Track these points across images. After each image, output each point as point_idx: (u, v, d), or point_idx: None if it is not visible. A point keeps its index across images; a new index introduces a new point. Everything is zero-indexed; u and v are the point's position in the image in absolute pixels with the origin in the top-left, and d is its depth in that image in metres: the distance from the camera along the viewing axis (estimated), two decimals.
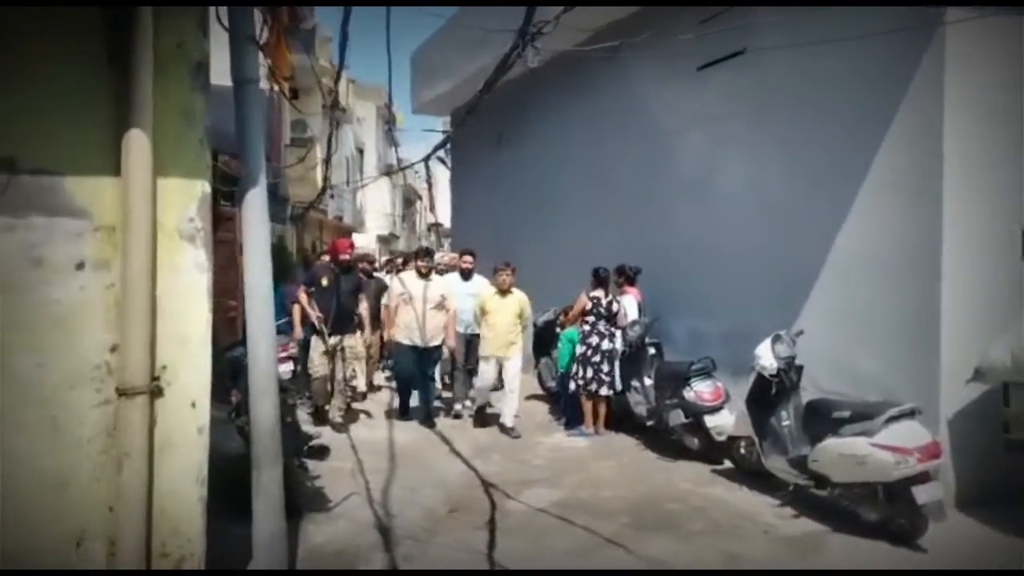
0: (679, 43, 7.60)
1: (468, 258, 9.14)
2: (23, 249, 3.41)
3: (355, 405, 8.77)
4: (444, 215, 21.84)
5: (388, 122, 19.86)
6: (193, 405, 3.68)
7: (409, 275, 8.77)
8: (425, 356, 8.40)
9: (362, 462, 6.74)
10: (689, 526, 5.44)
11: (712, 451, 6.93)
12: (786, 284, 7.17)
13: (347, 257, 8.29)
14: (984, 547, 5.15)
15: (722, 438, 6.76)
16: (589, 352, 8.00)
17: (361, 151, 30.22)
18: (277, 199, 16.56)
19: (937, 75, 5.82)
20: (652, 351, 8.04)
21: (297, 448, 5.77)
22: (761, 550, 5.03)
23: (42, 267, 3.46)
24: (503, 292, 8.25)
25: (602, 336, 8.02)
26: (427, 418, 8.41)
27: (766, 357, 6.07)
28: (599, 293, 8.14)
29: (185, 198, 3.68)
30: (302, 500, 5.41)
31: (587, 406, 8.04)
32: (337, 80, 8.47)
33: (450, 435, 7.90)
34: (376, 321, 9.17)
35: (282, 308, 8.43)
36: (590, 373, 7.96)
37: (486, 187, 14.34)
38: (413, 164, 13.14)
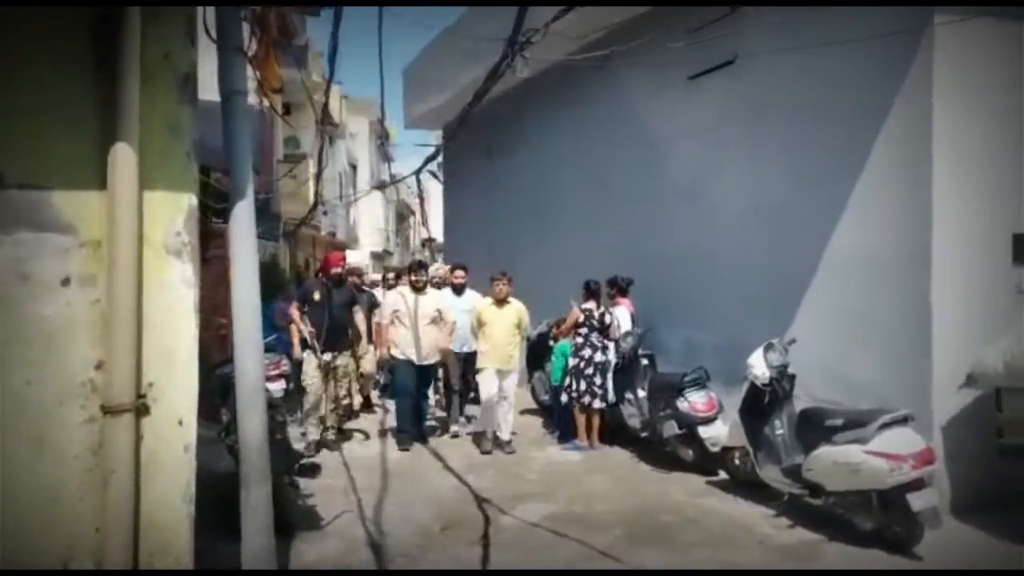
0: (670, 52, 7.64)
1: (460, 273, 8.98)
2: (10, 265, 3.38)
3: (347, 424, 8.69)
4: (437, 230, 21.88)
5: (381, 137, 19.86)
6: (180, 423, 3.64)
7: (402, 290, 8.54)
8: (422, 373, 8.22)
9: (354, 479, 6.69)
10: (683, 537, 5.41)
11: (706, 462, 6.90)
12: (778, 294, 7.18)
13: (339, 271, 8.15)
14: (980, 553, 5.14)
15: (716, 449, 6.74)
16: (582, 364, 7.98)
17: (354, 167, 30.24)
18: (270, 216, 16.52)
19: (926, 83, 5.86)
20: (645, 362, 8.01)
21: (288, 466, 5.71)
22: (756, 561, 5.01)
23: (28, 283, 3.43)
24: (500, 302, 8.07)
25: (595, 348, 8.00)
26: (420, 435, 8.27)
27: (759, 366, 6.07)
28: (591, 305, 8.14)
29: (172, 212, 3.66)
30: (293, 518, 5.37)
31: (580, 419, 8.01)
32: (328, 88, 8.41)
33: (443, 451, 7.86)
34: (369, 335, 9.09)
35: (271, 325, 8.38)
36: (583, 386, 7.94)
37: (479, 200, 14.36)
38: (405, 178, 13.13)
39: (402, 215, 43.55)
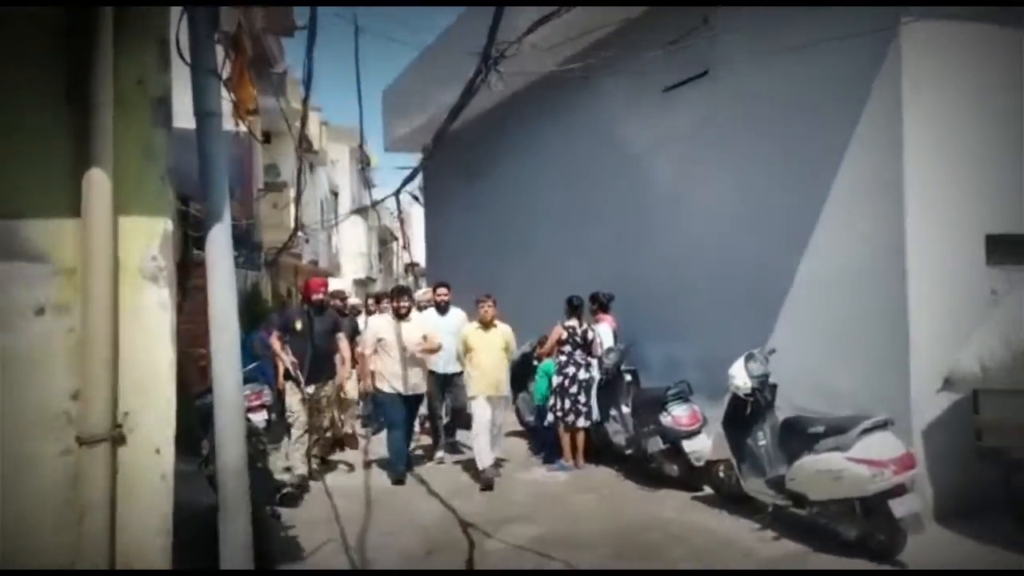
0: (645, 62, 7.71)
1: (443, 290, 8.70)
2: None
3: (332, 456, 8.58)
4: (420, 254, 21.88)
5: (361, 162, 19.89)
6: (157, 451, 3.59)
7: (384, 318, 8.30)
8: (409, 403, 7.92)
9: (338, 509, 6.62)
10: (670, 554, 5.40)
11: (692, 477, 6.90)
12: (757, 305, 7.23)
13: (320, 296, 7.87)
14: (964, 559, 5.15)
15: (701, 463, 6.74)
16: (566, 383, 7.97)
17: (336, 193, 30.25)
18: (251, 245, 16.46)
19: (895, 89, 5.97)
20: (629, 378, 8.02)
21: (270, 495, 5.66)
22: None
23: (1, 313, 3.41)
24: (486, 325, 7.85)
25: (579, 366, 8.00)
26: (409, 466, 7.97)
27: (740, 376, 6.09)
28: (574, 322, 8.15)
29: (147, 237, 3.64)
30: (275, 550, 5.29)
31: (565, 439, 7.98)
32: (305, 106, 8.34)
33: (428, 477, 7.80)
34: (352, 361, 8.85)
35: (251, 354, 8.28)
36: (567, 404, 7.93)
37: (460, 223, 14.41)
38: (384, 199, 13.11)
39: (384, 241, 43.54)
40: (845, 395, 6.18)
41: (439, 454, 8.61)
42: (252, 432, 5.29)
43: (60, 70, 3.51)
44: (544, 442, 8.43)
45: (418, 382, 7.89)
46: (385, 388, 7.78)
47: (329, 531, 5.98)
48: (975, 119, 6.13)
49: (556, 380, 8.07)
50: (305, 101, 7.98)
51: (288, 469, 7.26)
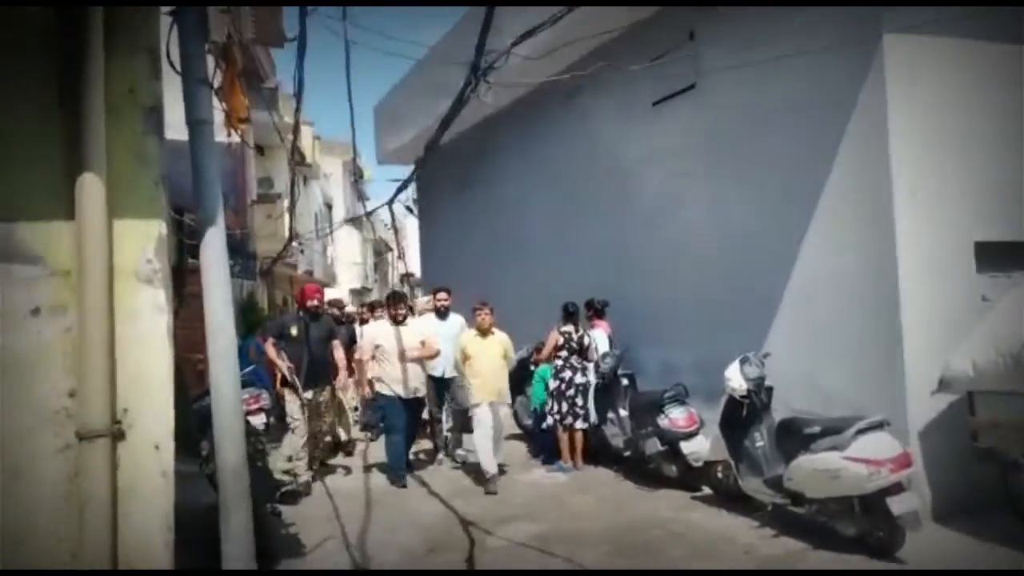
0: (633, 79, 7.78)
1: (443, 295, 8.67)
2: None
3: (331, 460, 8.56)
4: (415, 265, 21.90)
5: (355, 175, 19.98)
6: (157, 448, 3.61)
7: (381, 324, 8.26)
8: (410, 407, 7.86)
9: (338, 508, 6.65)
10: (670, 551, 5.41)
11: (690, 478, 6.91)
12: (751, 309, 7.26)
13: (315, 303, 7.83)
14: (962, 556, 5.16)
15: (699, 464, 6.75)
16: (563, 386, 8.00)
17: (330, 206, 30.29)
18: (246, 254, 16.49)
19: (880, 97, 6.03)
20: (625, 382, 8.05)
21: (269, 494, 5.66)
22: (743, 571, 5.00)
23: None
24: (484, 333, 7.82)
25: (575, 370, 8.03)
26: (410, 469, 7.98)
27: (735, 379, 6.12)
28: (570, 328, 8.18)
29: (141, 240, 3.66)
30: (275, 546, 5.30)
31: (564, 440, 8.01)
32: (297, 113, 8.36)
33: (428, 478, 7.79)
34: (349, 368, 8.83)
35: (247, 361, 8.24)
36: (565, 407, 7.95)
37: (455, 234, 14.44)
38: (377, 208, 13.14)
39: (380, 252, 43.58)
40: (840, 397, 6.20)
41: (439, 456, 8.62)
42: (251, 432, 5.30)
43: (52, 74, 3.54)
44: (543, 445, 8.45)
45: (418, 386, 7.86)
46: (385, 391, 7.71)
47: (330, 529, 6.00)
48: (962, 127, 6.18)
49: (553, 384, 8.09)
50: (297, 109, 7.98)
51: (288, 472, 7.16)
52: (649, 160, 8.80)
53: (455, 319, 8.54)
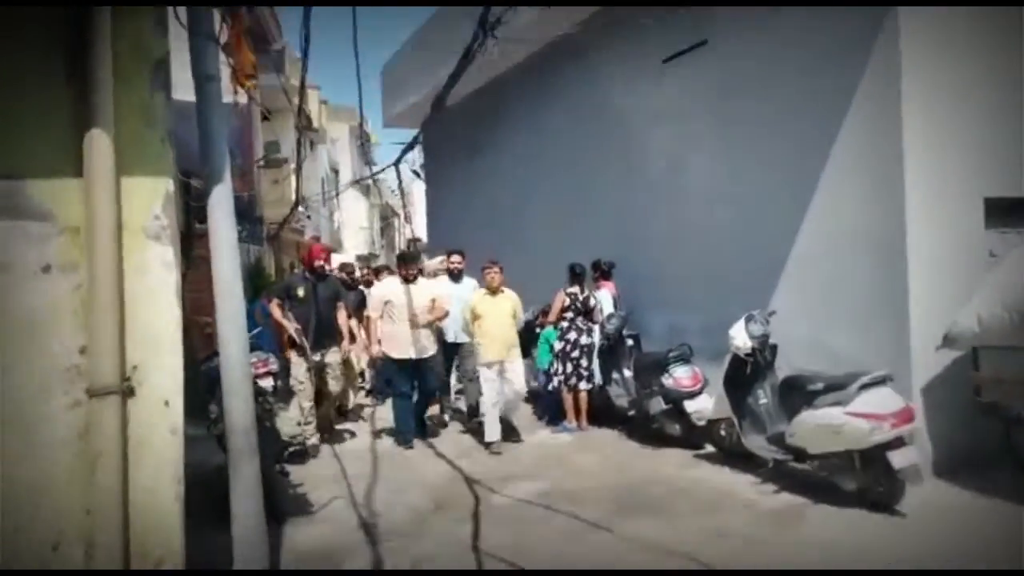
0: (644, 35, 7.67)
1: (457, 257, 8.55)
2: None
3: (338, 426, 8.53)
4: (421, 230, 21.89)
5: (361, 139, 19.87)
6: (166, 404, 3.67)
7: (393, 281, 8.03)
8: (421, 370, 7.68)
9: (345, 468, 6.74)
10: (673, 507, 5.49)
11: (693, 436, 6.99)
12: (757, 270, 7.27)
13: (322, 263, 7.62)
14: (961, 510, 5.23)
15: (702, 422, 6.82)
16: (568, 347, 8.05)
17: (336, 171, 30.23)
18: (253, 219, 16.52)
19: (894, 55, 5.96)
20: (630, 343, 8.11)
21: (277, 453, 5.74)
22: (746, 524, 5.08)
23: (8, 271, 3.46)
24: (493, 292, 7.69)
25: (580, 331, 8.08)
26: (420, 434, 7.81)
27: (740, 336, 6.15)
28: (576, 289, 8.21)
29: (150, 196, 3.69)
30: (284, 505, 5.39)
31: (568, 401, 8.08)
32: (303, 73, 8.26)
33: (434, 439, 7.88)
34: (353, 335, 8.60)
35: (253, 324, 8.24)
36: (570, 368, 8.01)
37: (462, 199, 14.41)
38: (384, 168, 13.08)
39: (386, 217, 43.56)
40: (845, 355, 6.23)
41: (445, 417, 8.69)
42: (259, 392, 5.36)
43: (59, 30, 3.54)
44: (548, 406, 8.52)
45: (427, 344, 7.66)
46: (393, 354, 7.59)
47: (337, 489, 6.09)
48: (974, 84, 6.12)
49: (558, 345, 8.14)
50: (304, 68, 7.88)
51: (302, 438, 7.16)
52: (658, 119, 8.74)
53: (468, 282, 8.40)
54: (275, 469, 5.51)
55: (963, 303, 5.68)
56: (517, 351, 7.71)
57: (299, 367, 7.30)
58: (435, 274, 8.87)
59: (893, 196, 6.01)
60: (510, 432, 7.66)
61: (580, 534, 5.02)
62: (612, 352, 8.08)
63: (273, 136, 19.50)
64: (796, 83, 6.85)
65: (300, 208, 17.80)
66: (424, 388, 7.82)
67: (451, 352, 8.48)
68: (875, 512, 5.12)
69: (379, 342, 7.62)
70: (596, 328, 8.15)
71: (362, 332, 8.52)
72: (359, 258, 32.46)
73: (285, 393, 7.89)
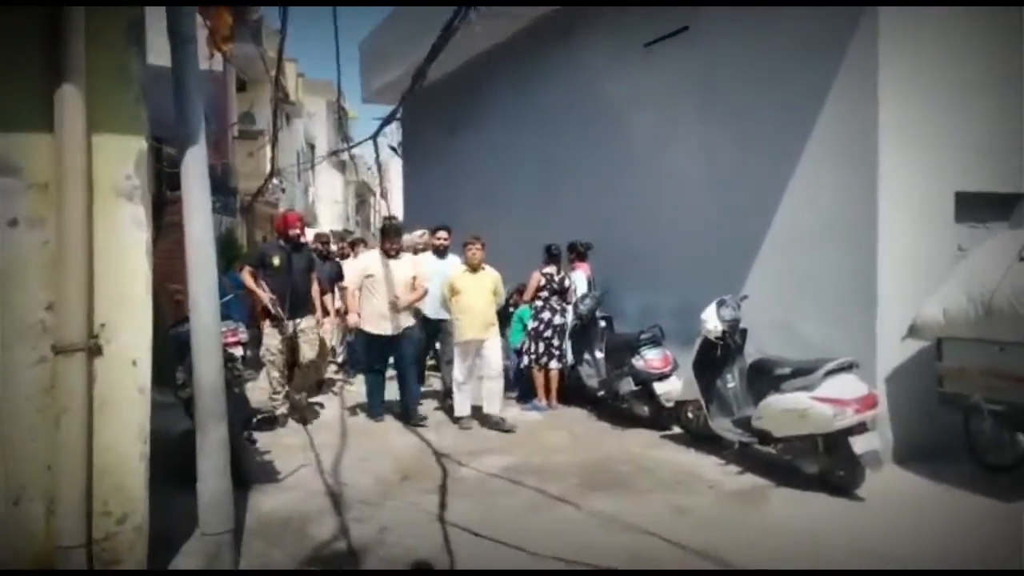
0: (626, 19, 7.67)
1: (443, 234, 8.27)
2: None
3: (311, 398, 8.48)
4: (397, 209, 21.77)
5: (338, 113, 19.68)
6: (134, 363, 3.66)
7: (374, 254, 7.79)
8: (398, 344, 7.46)
9: (313, 438, 6.73)
10: (637, 484, 5.55)
11: (661, 418, 7.07)
12: (730, 256, 7.32)
13: (297, 231, 7.39)
14: (919, 497, 5.33)
15: (671, 404, 6.89)
16: (541, 327, 8.08)
17: (312, 146, 29.96)
18: (227, 190, 16.34)
19: (871, 48, 6.00)
20: (603, 324, 8.14)
21: (245, 421, 5.72)
22: (708, 504, 5.16)
23: None
24: (474, 269, 7.50)
25: (554, 311, 8.11)
26: (412, 417, 7.44)
27: (711, 320, 6.21)
28: (551, 269, 8.24)
29: (121, 155, 3.65)
30: (250, 472, 5.37)
31: (539, 379, 8.12)
32: (281, 48, 8.14)
33: (400, 411, 7.86)
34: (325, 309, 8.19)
35: (223, 293, 8.10)
36: (542, 347, 8.05)
37: (440, 177, 14.34)
38: (362, 142, 12.93)
39: (362, 195, 43.27)
40: (813, 342, 6.30)
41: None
42: (228, 359, 5.32)
43: None
44: (518, 383, 8.55)
45: (403, 320, 7.44)
46: (369, 329, 7.44)
47: (304, 457, 6.09)
48: (949, 78, 6.19)
49: (532, 325, 8.17)
50: (282, 38, 7.78)
51: (273, 409, 7.15)
52: (638, 103, 8.75)
53: (453, 259, 8.11)
54: (242, 436, 5.49)
55: (930, 295, 5.78)
56: (495, 329, 7.56)
57: (272, 338, 7.16)
58: (415, 250, 8.68)
59: (866, 187, 6.08)
60: (499, 421, 7.28)
61: (545, 507, 5.07)
62: (584, 332, 8.12)
63: (249, 104, 19.28)
64: (775, 73, 6.89)
65: (275, 180, 17.62)
66: (401, 362, 7.56)
67: (432, 329, 8.18)
68: (835, 496, 5.21)
69: (358, 314, 7.44)
70: (569, 308, 8.19)
71: (335, 303, 8.42)
72: (333, 233, 32.25)
73: (254, 363, 7.83)
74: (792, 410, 5.41)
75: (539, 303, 8.17)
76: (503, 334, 9.39)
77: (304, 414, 7.34)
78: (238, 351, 6.70)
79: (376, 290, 7.38)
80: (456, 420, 7.44)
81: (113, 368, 3.59)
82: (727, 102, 7.47)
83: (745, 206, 7.23)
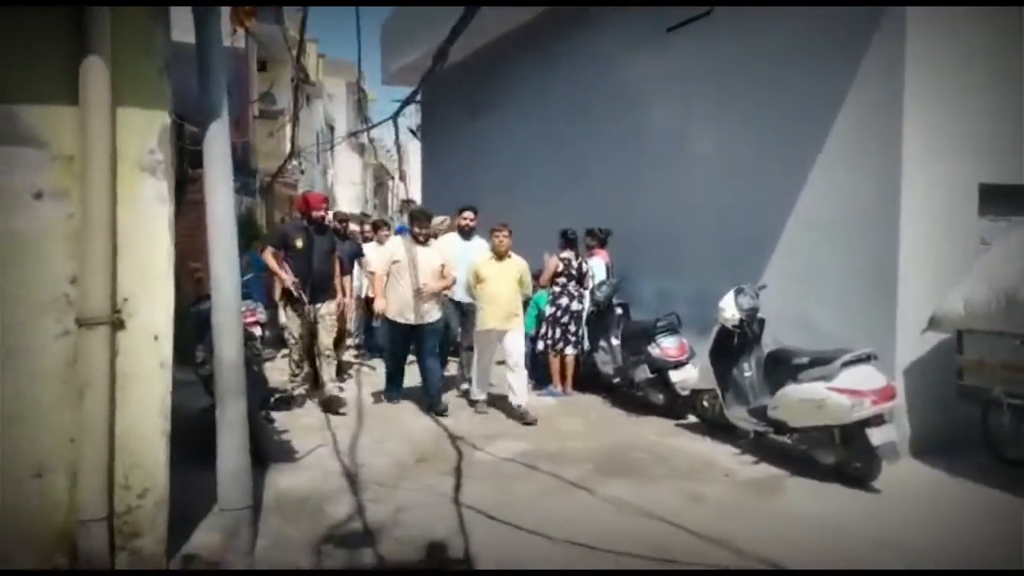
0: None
1: (468, 214, 7.95)
2: None
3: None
4: (415, 192, 21.76)
5: (358, 95, 19.68)
6: (156, 338, 3.68)
7: (401, 240, 7.58)
8: (421, 333, 7.26)
9: (330, 418, 6.76)
10: (652, 471, 5.55)
11: (676, 406, 7.05)
12: (750, 244, 7.28)
13: (321, 213, 7.25)
14: (935, 490, 5.32)
15: (686, 392, 6.88)
16: (558, 313, 8.07)
17: (332, 127, 29.97)
18: (247, 171, 16.38)
19: (898, 38, 5.92)
20: (619, 311, 8.13)
21: (263, 400, 5.76)
22: (723, 492, 5.15)
23: (1, 197, 3.44)
24: (500, 256, 7.31)
25: (571, 297, 8.09)
26: (435, 406, 7.22)
27: (729, 308, 6.19)
28: (569, 255, 8.21)
29: (145, 129, 3.66)
30: (268, 450, 5.42)
31: (555, 365, 8.11)
32: (303, 27, 8.11)
33: (418, 396, 7.89)
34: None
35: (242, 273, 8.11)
36: (558, 333, 8.04)
37: (458, 161, 14.31)
38: (382, 122, 12.87)
39: (380, 179, 43.30)
40: (831, 333, 6.25)
41: (464, 386, 7.98)
42: (248, 337, 5.35)
43: None
44: (534, 368, 8.53)
45: (429, 308, 7.21)
46: (392, 316, 7.21)
47: (322, 438, 6.12)
48: (974, 69, 6.10)
49: (549, 310, 8.15)
50: (304, 11, 7.72)
51: (293, 389, 7.14)
52: (660, 89, 8.68)
53: (479, 242, 7.91)
54: (260, 414, 5.52)
55: (952, 287, 5.72)
56: (519, 320, 7.34)
57: (294, 322, 7.09)
58: (436, 234, 8.27)
59: (889, 178, 6.01)
60: (523, 413, 7.03)
61: (560, 492, 5.08)
62: (601, 319, 8.10)
63: (271, 82, 19.28)
64: (799, 60, 6.81)
65: (294, 161, 17.64)
66: (422, 352, 7.32)
67: (461, 312, 7.90)
68: (851, 487, 5.19)
69: (384, 300, 7.22)
70: (587, 294, 8.17)
71: (353, 284, 8.36)
72: (353, 217, 32.34)
73: (272, 342, 7.87)
74: (809, 400, 5.38)
75: (556, 289, 8.14)
76: None
77: (331, 405, 7.10)
78: (256, 331, 6.74)
79: (401, 277, 7.15)
80: (472, 404, 7.46)
81: (135, 343, 3.62)
82: (749, 89, 7.39)
83: (765, 195, 7.17)
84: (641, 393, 7.39)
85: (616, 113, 9.47)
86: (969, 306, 5.51)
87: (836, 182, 6.48)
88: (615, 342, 7.94)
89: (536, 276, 8.69)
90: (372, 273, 7.45)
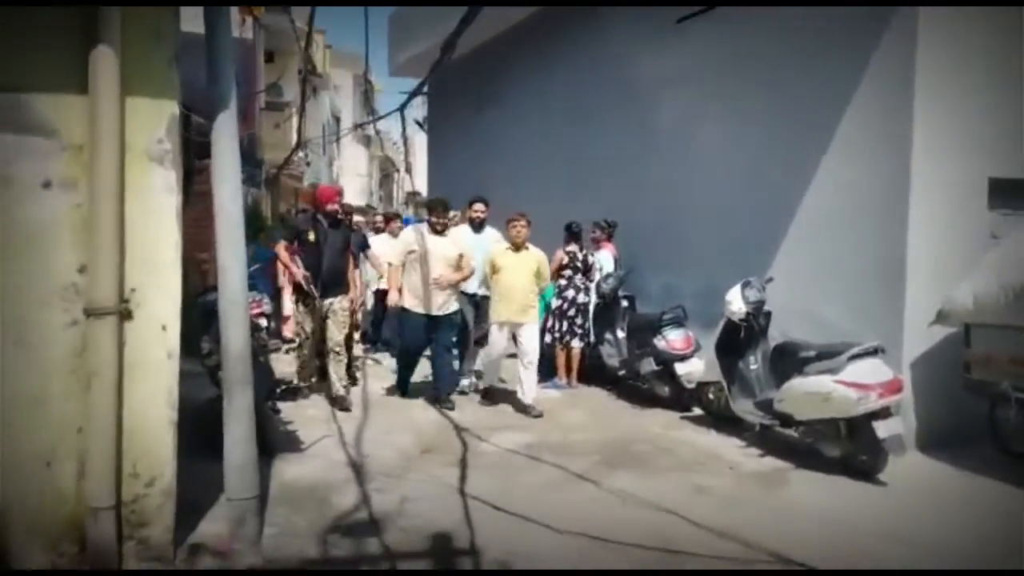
0: None
1: (479, 206, 7.81)
2: None
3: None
4: (421, 185, 21.75)
5: (365, 87, 19.65)
6: (163, 328, 3.68)
7: (418, 230, 7.41)
8: (438, 325, 7.11)
9: (335, 410, 6.77)
10: (657, 463, 5.56)
11: (682, 398, 7.06)
12: (757, 237, 7.27)
13: (335, 207, 7.09)
14: (941, 484, 5.33)
15: (692, 385, 6.88)
16: (565, 305, 8.08)
17: (338, 119, 29.96)
18: (253, 162, 16.40)
19: (910, 32, 5.90)
20: (625, 304, 8.13)
21: (270, 390, 5.77)
22: (728, 484, 5.16)
23: (9, 186, 3.45)
24: (517, 247, 7.21)
25: (578, 289, 8.10)
26: (443, 399, 7.16)
27: (735, 301, 6.19)
28: (574, 248, 8.21)
29: (154, 119, 3.66)
30: (274, 440, 5.42)
31: (560, 357, 8.12)
32: (311, 18, 8.10)
33: (424, 389, 7.89)
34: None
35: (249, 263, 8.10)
36: (565, 326, 8.05)
37: (466, 153, 14.28)
38: (389, 114, 12.87)
39: (386, 171, 43.29)
40: (838, 326, 6.24)
41: (464, 382, 7.92)
42: (254, 328, 5.36)
43: None
44: (540, 362, 8.52)
45: (446, 300, 7.10)
46: (408, 305, 7.06)
47: (328, 429, 6.13)
48: (984, 64, 6.07)
49: (555, 303, 8.15)
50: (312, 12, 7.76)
51: (298, 383, 7.15)
52: (667, 81, 8.65)
53: (491, 232, 7.84)
54: (267, 404, 5.53)
55: (960, 281, 5.70)
56: (534, 313, 7.23)
57: (306, 318, 6.99)
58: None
59: (899, 171, 5.99)
60: (530, 408, 7.00)
61: (564, 484, 5.09)
62: (606, 312, 8.10)
63: (278, 73, 19.29)
64: (809, 53, 6.78)
65: (300, 153, 17.64)
66: (436, 345, 7.19)
67: (475, 305, 7.77)
68: (857, 480, 5.19)
69: (399, 291, 7.09)
70: (593, 287, 8.17)
71: (358, 276, 8.36)
72: (356, 209, 32.34)
73: (277, 335, 7.88)
74: (815, 393, 5.38)
75: (563, 281, 8.15)
76: None
77: (338, 403, 6.96)
78: (262, 322, 6.74)
79: (417, 267, 7.05)
80: (479, 395, 7.47)
81: (143, 332, 3.62)
82: (757, 83, 7.37)
83: (773, 188, 7.15)
84: (647, 386, 7.40)
85: (624, 107, 9.45)
86: (977, 300, 5.50)
87: (845, 175, 6.46)
88: (621, 335, 7.94)
89: None
90: (389, 264, 7.36)
